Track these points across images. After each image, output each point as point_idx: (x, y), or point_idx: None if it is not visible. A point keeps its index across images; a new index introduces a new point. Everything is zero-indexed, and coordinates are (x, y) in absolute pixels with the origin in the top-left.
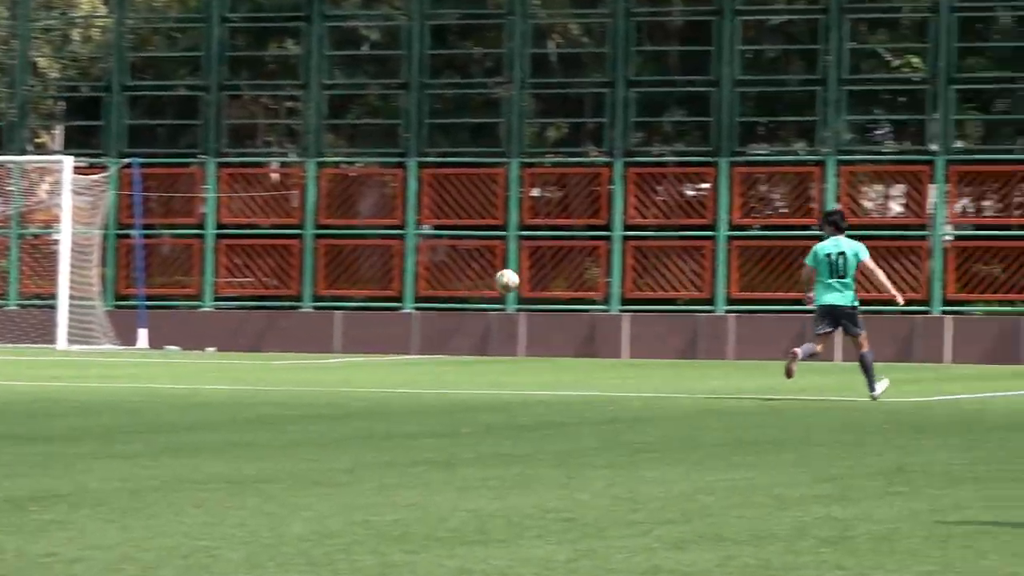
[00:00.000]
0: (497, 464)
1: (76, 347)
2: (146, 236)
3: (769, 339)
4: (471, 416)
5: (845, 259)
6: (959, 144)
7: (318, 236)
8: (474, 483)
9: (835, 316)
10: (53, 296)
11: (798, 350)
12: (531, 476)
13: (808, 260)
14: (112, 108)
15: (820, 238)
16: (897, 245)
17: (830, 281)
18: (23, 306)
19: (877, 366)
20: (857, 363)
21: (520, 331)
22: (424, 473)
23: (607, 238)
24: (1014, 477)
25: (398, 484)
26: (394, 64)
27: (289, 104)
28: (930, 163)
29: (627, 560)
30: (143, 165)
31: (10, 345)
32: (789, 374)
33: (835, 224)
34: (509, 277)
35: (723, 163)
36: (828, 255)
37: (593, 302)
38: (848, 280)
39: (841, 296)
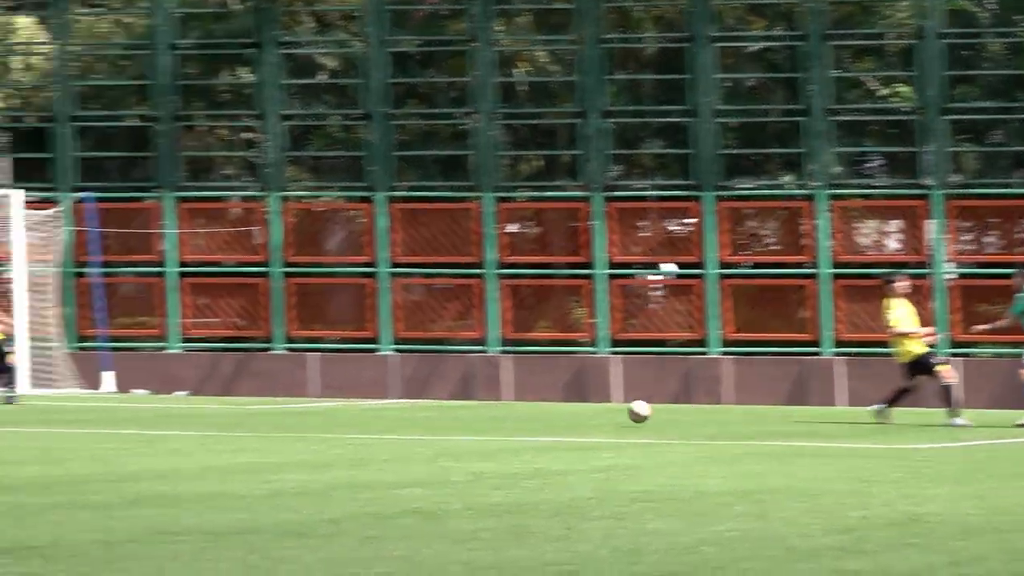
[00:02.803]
0: (489, 514)
1: (39, 391)
2: (105, 274)
3: (767, 382)
4: (460, 464)
5: None
6: (955, 177)
7: (286, 274)
8: (465, 535)
9: None
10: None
11: None
12: (526, 527)
13: (1013, 309)
14: (60, 140)
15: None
16: None
17: None
18: None
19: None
20: None
21: (504, 374)
22: (412, 524)
23: (590, 276)
24: None
25: (384, 535)
26: (354, 93)
27: (246, 135)
28: (926, 197)
29: None
30: (97, 200)
31: None
32: None
33: None
34: (639, 408)
35: (708, 197)
36: None
37: (580, 343)
38: None
39: None
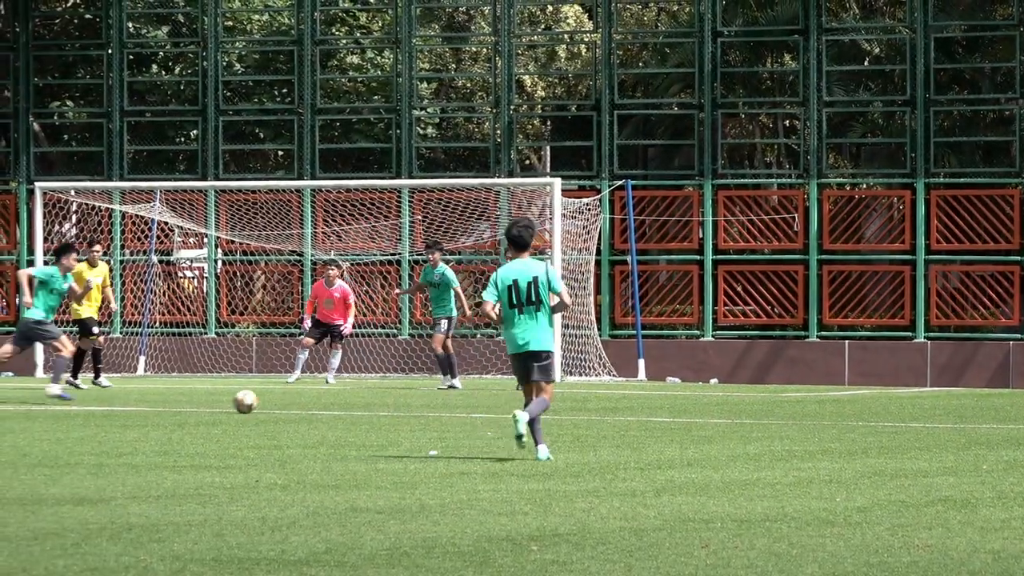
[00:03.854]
0: (1021, 503)
1: (572, 379)
2: (641, 262)
3: None
4: (993, 452)
5: None
6: None
7: (822, 262)
8: (996, 524)
9: None
10: None
11: None
12: None
13: None
14: (601, 128)
15: None
16: None
17: None
18: None
19: None
20: None
21: None
22: (941, 513)
23: None
24: None
25: (914, 524)
26: (898, 80)
27: (787, 122)
28: None
29: None
30: (635, 187)
31: (503, 376)
32: None
33: None
34: (244, 397)
35: None
36: None
37: None
38: None
39: None
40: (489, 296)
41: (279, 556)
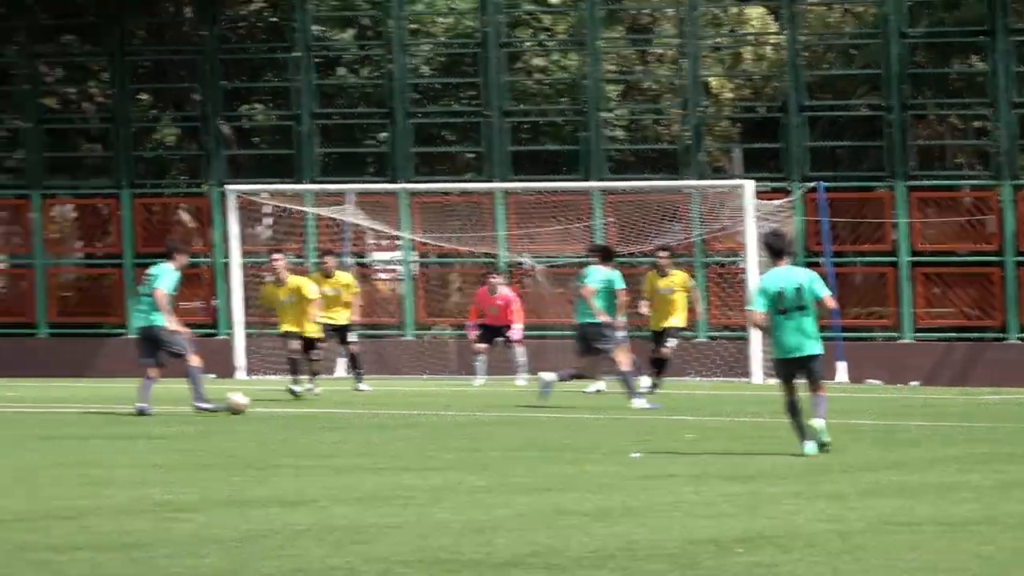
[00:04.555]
0: None
1: (774, 381)
2: (836, 264)
3: None
4: None
5: None
6: None
7: (1019, 263)
8: None
9: None
10: (742, 328)
11: None
12: None
13: None
14: (790, 129)
15: None
16: None
17: None
18: (712, 338)
19: None
20: None
21: None
22: None
23: None
24: None
25: None
26: None
27: (977, 124)
28: None
29: None
30: (828, 189)
31: (701, 379)
32: None
33: None
34: (235, 400)
35: None
36: None
37: None
38: None
39: None
40: (759, 306)
41: (485, 558)
